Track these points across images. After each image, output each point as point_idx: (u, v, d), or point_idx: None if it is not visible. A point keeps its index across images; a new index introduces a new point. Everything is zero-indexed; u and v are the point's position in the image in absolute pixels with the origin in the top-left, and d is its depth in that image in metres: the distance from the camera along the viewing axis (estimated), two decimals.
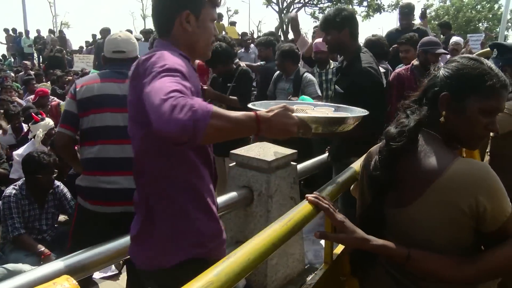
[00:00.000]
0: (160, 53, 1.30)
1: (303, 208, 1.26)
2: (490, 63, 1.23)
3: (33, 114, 4.66)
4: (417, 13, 6.20)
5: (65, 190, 3.47)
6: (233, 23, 12.92)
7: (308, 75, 4.14)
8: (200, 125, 1.04)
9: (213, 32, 1.57)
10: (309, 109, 1.82)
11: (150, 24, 41.36)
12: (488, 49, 3.97)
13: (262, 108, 1.35)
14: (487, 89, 1.19)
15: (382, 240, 1.22)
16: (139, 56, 2.28)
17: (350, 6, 24.42)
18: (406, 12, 5.56)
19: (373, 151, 1.41)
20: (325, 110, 1.87)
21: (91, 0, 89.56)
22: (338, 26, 2.67)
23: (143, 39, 10.05)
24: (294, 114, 1.25)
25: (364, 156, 1.49)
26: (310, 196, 1.32)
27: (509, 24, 29.77)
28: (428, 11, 33.89)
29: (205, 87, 3.63)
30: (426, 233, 1.18)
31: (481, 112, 1.19)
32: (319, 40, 4.18)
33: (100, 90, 2.35)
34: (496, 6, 31.81)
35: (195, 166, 1.43)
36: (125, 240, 2.04)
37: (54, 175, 3.45)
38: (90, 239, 1.90)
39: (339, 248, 1.76)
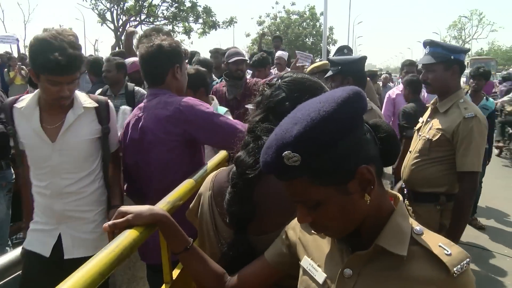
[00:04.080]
0: (185, 100, 1.93)
1: (131, 232, 1.17)
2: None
3: None
4: None
5: None
6: None
7: (140, 90, 3.98)
8: None
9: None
10: None
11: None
12: (326, 61, 4.58)
13: None
14: None
15: (175, 223, 1.18)
16: None
17: (186, 24, 24.79)
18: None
19: (219, 182, 1.29)
20: None
21: None
22: None
23: None
24: None
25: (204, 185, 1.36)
26: (105, 225, 1.17)
27: (329, 40, 33.87)
28: (260, 27, 36.64)
29: None
30: None
31: None
32: None
33: None
34: (318, 24, 35.95)
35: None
36: None
37: None
38: None
39: (180, 266, 1.72)
